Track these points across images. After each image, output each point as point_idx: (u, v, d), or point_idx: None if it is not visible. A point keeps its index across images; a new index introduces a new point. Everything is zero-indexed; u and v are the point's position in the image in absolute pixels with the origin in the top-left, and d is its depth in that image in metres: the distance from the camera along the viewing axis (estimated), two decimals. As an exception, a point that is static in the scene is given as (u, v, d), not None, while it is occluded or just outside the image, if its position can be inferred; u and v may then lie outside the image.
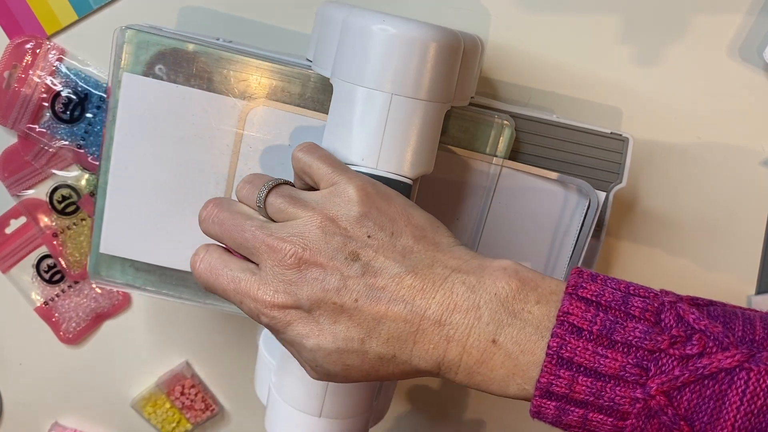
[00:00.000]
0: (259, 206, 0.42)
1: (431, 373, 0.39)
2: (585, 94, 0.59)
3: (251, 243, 0.40)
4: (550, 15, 0.58)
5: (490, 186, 0.53)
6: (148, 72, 0.51)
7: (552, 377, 0.36)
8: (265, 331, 0.56)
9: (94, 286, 0.67)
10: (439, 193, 0.54)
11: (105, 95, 0.61)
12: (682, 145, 0.60)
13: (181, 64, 0.51)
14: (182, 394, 0.70)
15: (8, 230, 0.65)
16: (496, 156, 0.53)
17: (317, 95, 0.51)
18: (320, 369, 0.40)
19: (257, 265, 0.41)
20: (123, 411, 0.72)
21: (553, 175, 0.53)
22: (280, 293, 0.39)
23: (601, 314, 0.36)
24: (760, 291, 0.63)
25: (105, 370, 0.71)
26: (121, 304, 0.68)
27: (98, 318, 0.68)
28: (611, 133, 0.54)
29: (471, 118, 0.52)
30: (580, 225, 0.54)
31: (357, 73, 0.43)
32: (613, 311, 0.36)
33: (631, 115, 0.59)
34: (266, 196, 0.42)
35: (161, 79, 0.51)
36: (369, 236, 0.39)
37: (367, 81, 0.42)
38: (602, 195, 0.53)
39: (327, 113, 0.46)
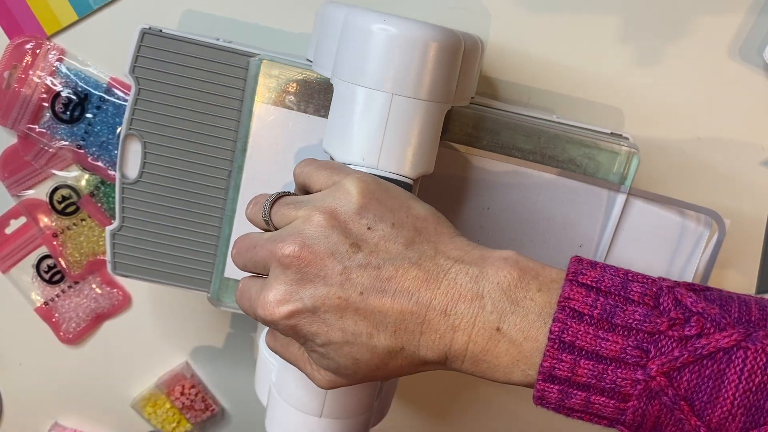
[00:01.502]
0: (265, 220, 0.42)
1: (438, 364, 0.39)
2: (585, 94, 0.59)
3: (260, 255, 0.41)
4: (550, 15, 0.58)
5: (616, 215, 0.53)
6: (278, 102, 0.51)
7: (554, 361, 0.36)
8: (265, 331, 0.56)
9: (221, 309, 0.67)
10: (565, 220, 0.54)
11: (105, 95, 0.61)
12: (682, 145, 0.60)
13: (311, 94, 0.51)
14: (182, 394, 0.70)
15: (8, 230, 0.65)
16: (622, 184, 0.53)
17: (474, 132, 0.52)
18: (331, 363, 0.40)
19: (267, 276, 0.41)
20: (123, 411, 0.72)
21: (681, 203, 0.53)
22: (281, 301, 0.39)
23: (601, 299, 0.36)
24: (760, 291, 0.63)
25: (105, 370, 0.71)
26: (121, 304, 0.68)
27: (98, 318, 0.68)
28: (611, 133, 0.54)
29: (598, 145, 0.53)
30: (699, 253, 0.54)
31: (357, 73, 0.43)
32: (612, 296, 0.37)
33: (631, 115, 0.59)
34: (270, 207, 0.42)
35: (291, 108, 0.51)
36: (369, 228, 0.39)
37: (367, 81, 0.42)
38: (728, 222, 0.53)
39: (479, 149, 0.49)
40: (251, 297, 0.41)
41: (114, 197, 0.60)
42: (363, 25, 0.42)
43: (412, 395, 0.71)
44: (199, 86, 0.53)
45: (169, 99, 0.53)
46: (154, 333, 0.69)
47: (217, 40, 0.52)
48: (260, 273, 0.42)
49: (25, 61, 0.60)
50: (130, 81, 0.53)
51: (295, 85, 0.51)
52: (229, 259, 0.55)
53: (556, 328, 0.36)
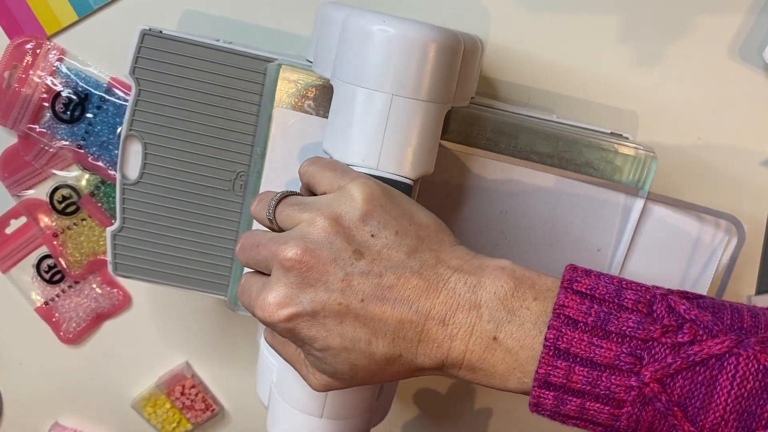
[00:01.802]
0: (269, 219, 0.42)
1: (435, 370, 0.39)
2: (585, 94, 0.59)
3: (263, 255, 0.41)
4: (550, 15, 0.58)
5: (634, 219, 0.53)
6: (297, 106, 0.51)
7: (550, 368, 0.36)
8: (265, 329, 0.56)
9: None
10: (582, 224, 0.54)
11: (105, 95, 0.61)
12: (682, 146, 0.60)
13: (329, 99, 0.51)
14: (182, 394, 0.70)
15: (8, 230, 0.65)
16: (641, 189, 0.53)
17: (492, 136, 0.53)
18: (328, 368, 0.40)
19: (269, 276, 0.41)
20: (123, 411, 0.72)
21: (699, 207, 0.54)
22: (281, 303, 0.39)
23: (596, 306, 0.37)
24: (760, 291, 0.63)
25: (105, 370, 0.71)
26: (122, 304, 0.68)
27: (98, 318, 0.68)
28: (611, 132, 0.54)
29: (616, 149, 0.53)
30: (718, 257, 0.54)
31: (357, 74, 0.43)
32: (607, 303, 0.37)
33: (631, 115, 0.59)
34: (275, 207, 0.42)
35: (310, 113, 0.51)
36: (373, 235, 0.39)
37: (367, 82, 0.42)
38: (746, 227, 0.53)
39: (497, 153, 0.50)
40: (251, 295, 0.41)
41: (114, 197, 0.60)
42: (362, 25, 0.42)
43: (412, 395, 0.71)
44: (199, 87, 0.53)
45: (169, 100, 0.53)
46: (154, 333, 0.69)
47: (217, 41, 0.52)
48: (263, 271, 0.42)
49: (25, 61, 0.60)
50: (130, 82, 0.53)
51: (313, 90, 0.51)
52: None
53: (551, 336, 0.36)
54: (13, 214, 0.65)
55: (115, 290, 0.67)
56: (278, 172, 0.53)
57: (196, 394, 0.71)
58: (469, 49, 0.45)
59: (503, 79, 0.59)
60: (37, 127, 0.61)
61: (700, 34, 0.57)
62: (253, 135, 0.54)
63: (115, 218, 0.56)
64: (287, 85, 0.51)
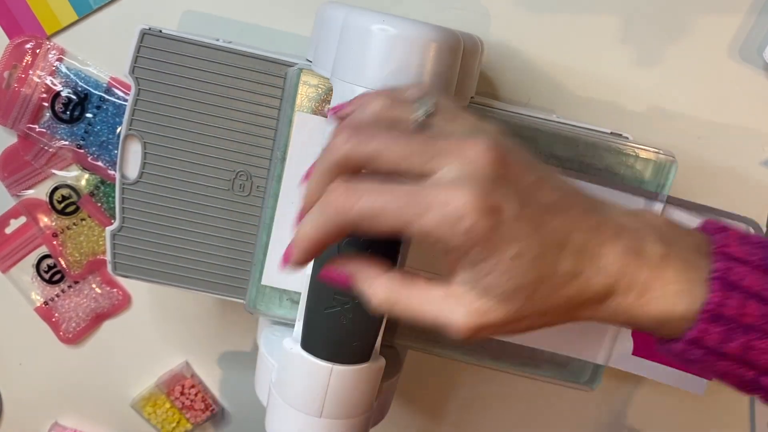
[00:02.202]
0: (417, 120, 0.37)
1: (599, 303, 0.37)
2: (585, 94, 0.59)
3: (425, 149, 0.34)
4: (550, 15, 0.58)
5: None
6: (318, 110, 0.51)
7: (723, 297, 0.35)
8: (266, 331, 0.56)
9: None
10: None
11: (105, 95, 0.61)
12: (682, 145, 0.60)
13: None
14: (182, 394, 0.70)
15: (8, 230, 0.65)
16: (660, 193, 0.53)
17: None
18: (512, 282, 0.35)
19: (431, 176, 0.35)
20: (123, 411, 0.72)
21: (717, 211, 0.54)
22: (481, 196, 0.33)
23: (757, 250, 0.36)
24: (760, 291, 0.62)
25: (105, 370, 0.71)
26: (121, 304, 0.68)
27: (98, 318, 0.68)
28: (611, 132, 0.54)
29: (636, 153, 0.53)
30: None
31: (357, 74, 0.43)
32: (765, 248, 0.36)
33: (631, 114, 0.59)
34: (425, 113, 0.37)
35: None
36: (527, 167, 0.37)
37: (367, 81, 0.42)
38: (765, 229, 0.54)
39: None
40: (418, 195, 0.33)
41: (114, 197, 0.60)
42: (362, 25, 0.43)
43: (412, 395, 0.71)
44: (199, 87, 0.53)
45: (169, 99, 0.53)
46: (154, 333, 0.69)
47: (217, 40, 0.52)
48: (397, 173, 0.35)
49: (25, 60, 0.60)
50: (130, 81, 0.53)
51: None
52: (266, 267, 0.54)
53: (721, 266, 0.35)
54: (13, 213, 0.65)
55: (115, 290, 0.67)
56: (298, 177, 0.53)
57: (196, 394, 0.71)
58: (468, 49, 0.45)
59: (503, 79, 0.59)
60: (36, 126, 0.61)
61: (700, 34, 0.57)
62: (256, 135, 0.54)
63: (114, 218, 0.56)
64: (308, 90, 0.51)
